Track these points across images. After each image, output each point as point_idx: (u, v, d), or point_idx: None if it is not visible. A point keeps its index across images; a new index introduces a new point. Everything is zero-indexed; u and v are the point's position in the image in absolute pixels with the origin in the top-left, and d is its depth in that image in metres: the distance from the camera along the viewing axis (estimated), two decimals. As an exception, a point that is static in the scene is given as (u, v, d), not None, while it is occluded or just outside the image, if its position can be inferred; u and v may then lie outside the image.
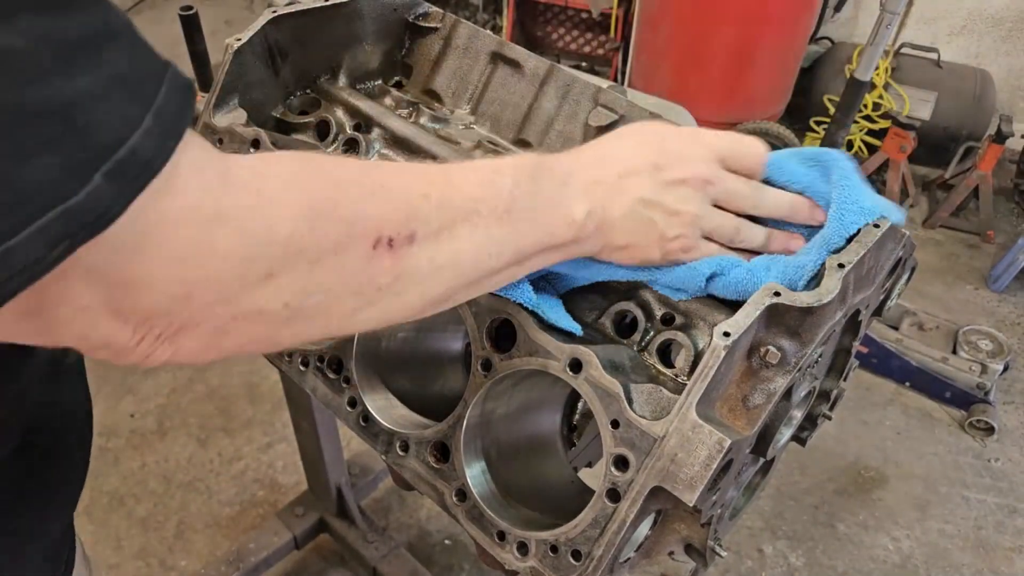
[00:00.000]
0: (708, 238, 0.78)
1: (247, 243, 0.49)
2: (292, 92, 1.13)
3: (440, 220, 0.60)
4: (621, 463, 0.73)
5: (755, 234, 0.80)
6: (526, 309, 0.80)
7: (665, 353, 0.83)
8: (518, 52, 1.08)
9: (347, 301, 0.56)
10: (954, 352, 2.86)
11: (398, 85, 1.20)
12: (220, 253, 0.48)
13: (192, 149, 0.47)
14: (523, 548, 0.79)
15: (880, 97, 3.69)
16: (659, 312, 0.84)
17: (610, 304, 0.87)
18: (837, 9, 4.05)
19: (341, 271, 0.54)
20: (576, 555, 0.75)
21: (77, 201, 0.41)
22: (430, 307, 0.63)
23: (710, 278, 0.78)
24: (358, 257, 0.55)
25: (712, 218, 0.77)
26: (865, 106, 3.66)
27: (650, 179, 0.73)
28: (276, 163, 0.54)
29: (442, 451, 0.86)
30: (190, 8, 1.73)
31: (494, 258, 0.65)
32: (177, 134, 0.45)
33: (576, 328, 0.81)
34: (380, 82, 1.18)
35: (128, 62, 0.44)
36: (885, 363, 2.86)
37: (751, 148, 0.79)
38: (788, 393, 0.78)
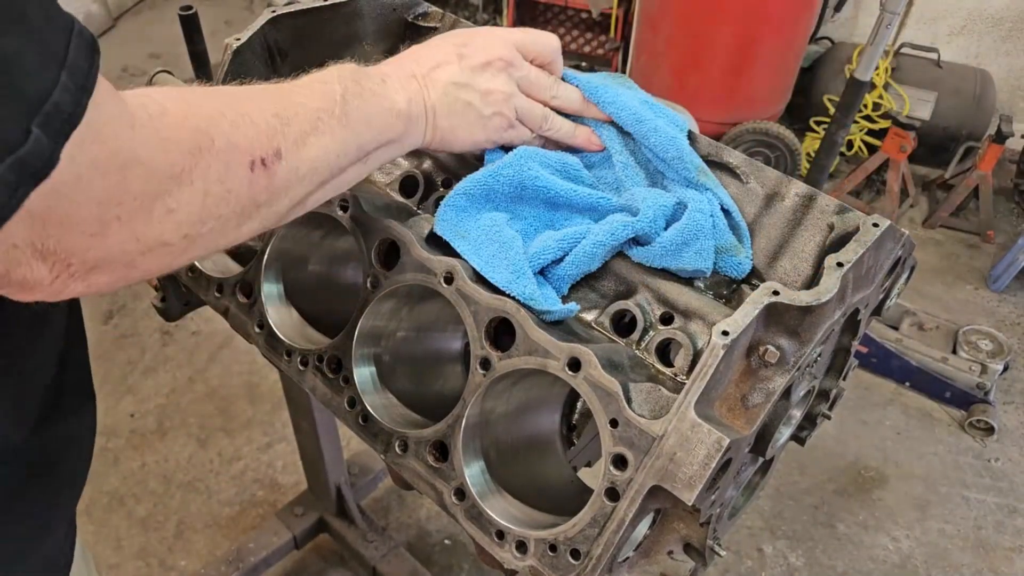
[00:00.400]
0: (520, 122, 0.89)
1: (154, 182, 0.55)
2: (291, 92, 1.13)
3: (296, 134, 0.67)
4: (620, 462, 0.73)
5: (562, 124, 0.91)
6: (523, 305, 0.80)
7: (664, 352, 0.83)
8: (517, 52, 1.08)
9: (234, 221, 0.63)
10: (954, 352, 2.86)
11: (397, 85, 1.20)
12: (133, 192, 0.53)
13: (102, 97, 0.50)
14: (522, 547, 0.79)
15: (880, 97, 3.69)
16: (658, 311, 0.84)
17: (609, 303, 0.87)
18: (837, 9, 4.05)
19: (228, 196, 0.61)
20: (575, 554, 0.75)
21: (26, 150, 0.45)
22: (294, 212, 0.71)
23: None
24: (241, 181, 0.61)
25: (521, 100, 0.88)
26: (865, 106, 3.66)
27: (458, 66, 0.84)
28: (161, 101, 0.58)
29: (441, 450, 0.86)
30: (190, 8, 1.73)
31: (342, 158, 0.72)
32: (89, 87, 0.48)
33: (573, 307, 0.83)
34: (379, 82, 1.18)
35: (43, 19, 0.47)
36: (885, 363, 2.86)
37: (544, 38, 0.89)
38: (787, 392, 0.79)
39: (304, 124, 0.68)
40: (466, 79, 0.84)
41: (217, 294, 1.06)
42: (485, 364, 0.81)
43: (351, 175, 0.76)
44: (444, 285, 0.84)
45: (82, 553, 1.01)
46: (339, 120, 0.71)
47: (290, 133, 0.66)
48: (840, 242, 0.81)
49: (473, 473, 0.85)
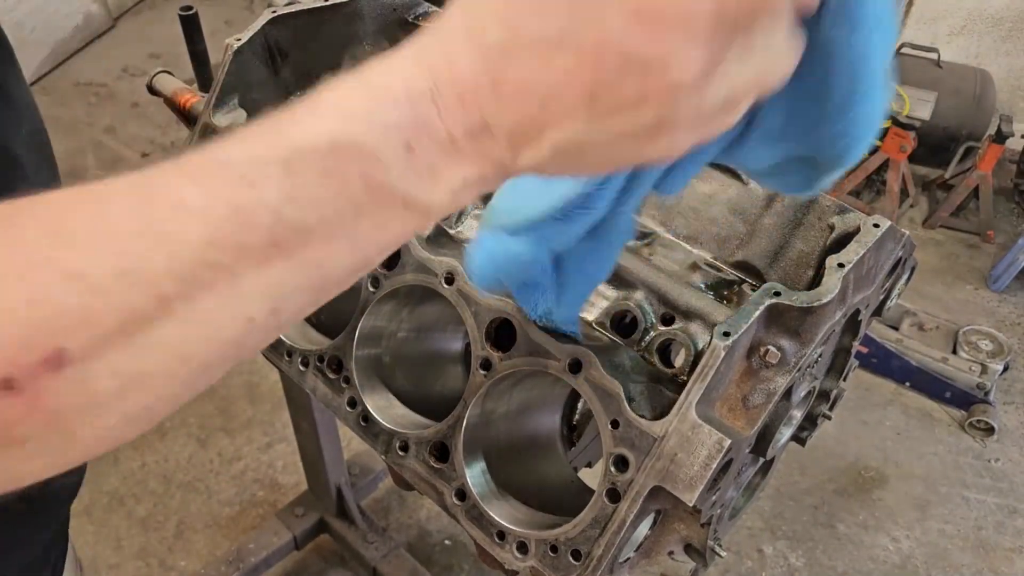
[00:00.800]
0: None
1: None
2: (292, 92, 1.13)
3: (122, 309, 0.34)
4: (621, 463, 0.73)
5: None
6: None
7: (665, 353, 0.82)
8: (518, 52, 1.08)
9: None
10: (954, 352, 2.85)
11: (398, 85, 1.19)
12: None
13: None
14: (523, 548, 0.79)
15: (880, 97, 3.69)
16: (659, 311, 0.84)
17: (609, 304, 0.87)
18: (837, 9, 4.05)
19: None
20: (576, 555, 0.75)
21: None
22: (145, 424, 0.39)
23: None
24: None
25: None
26: (865, 106, 3.66)
27: (585, 116, 0.40)
28: None
29: (442, 451, 0.86)
30: (190, 8, 1.73)
31: (265, 315, 0.39)
32: None
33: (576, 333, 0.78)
34: (380, 82, 1.18)
35: None
36: (885, 363, 2.85)
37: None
38: (788, 393, 0.78)
39: (154, 285, 0.34)
40: (595, 133, 0.41)
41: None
42: (486, 365, 0.81)
43: (292, 324, 0.44)
44: (445, 285, 0.84)
45: (74, 560, 1.00)
46: (259, 258, 0.37)
47: (107, 314, 0.34)
48: (841, 242, 0.81)
49: (474, 474, 0.85)
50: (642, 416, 0.72)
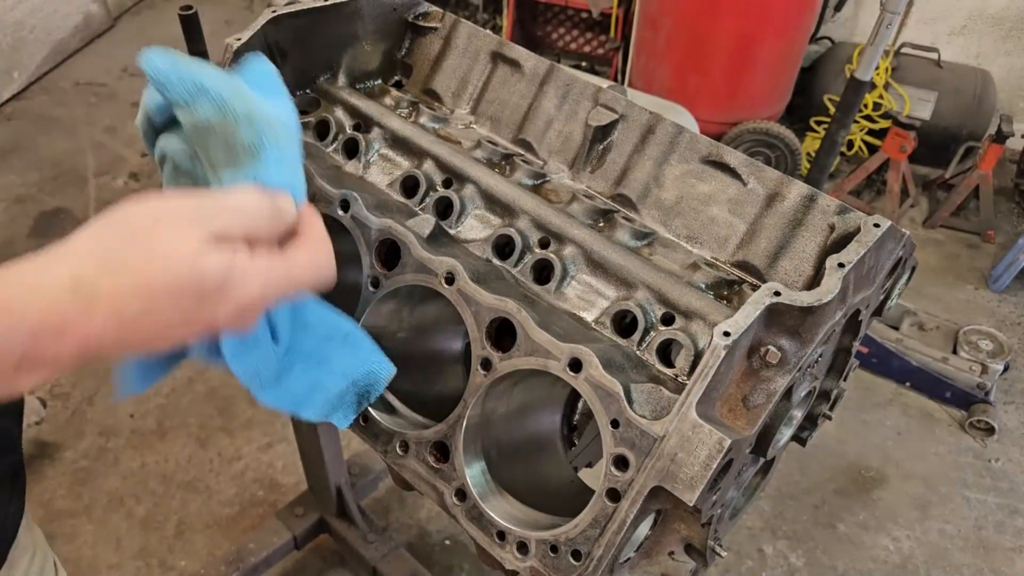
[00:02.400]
0: None
1: None
2: (292, 92, 1.13)
3: None
4: (621, 463, 0.73)
5: None
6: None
7: (665, 353, 0.82)
8: (518, 52, 1.08)
9: None
10: (954, 352, 2.85)
11: (398, 85, 1.19)
12: None
13: None
14: (523, 548, 0.79)
15: (880, 97, 3.69)
16: (659, 312, 0.84)
17: (610, 304, 0.87)
18: (837, 9, 4.04)
19: None
20: (576, 555, 0.75)
21: None
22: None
23: None
24: None
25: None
26: (865, 106, 3.66)
27: None
28: None
29: (442, 451, 0.85)
30: (190, 8, 1.73)
31: None
32: None
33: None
34: (380, 82, 1.18)
35: None
36: (885, 363, 2.85)
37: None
38: (788, 393, 0.78)
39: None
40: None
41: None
42: (486, 364, 0.81)
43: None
44: (445, 285, 0.83)
45: (27, 526, 1.04)
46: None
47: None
48: (841, 242, 0.81)
49: (474, 474, 0.84)
50: (642, 416, 0.72)
